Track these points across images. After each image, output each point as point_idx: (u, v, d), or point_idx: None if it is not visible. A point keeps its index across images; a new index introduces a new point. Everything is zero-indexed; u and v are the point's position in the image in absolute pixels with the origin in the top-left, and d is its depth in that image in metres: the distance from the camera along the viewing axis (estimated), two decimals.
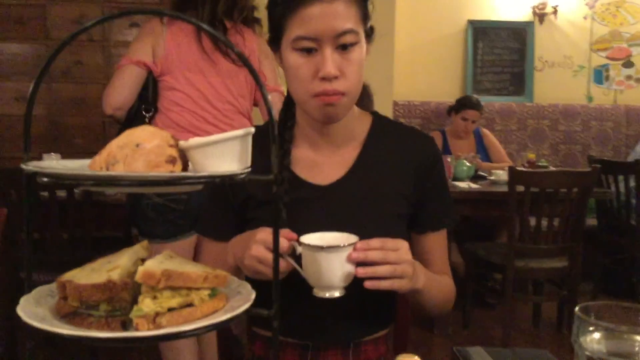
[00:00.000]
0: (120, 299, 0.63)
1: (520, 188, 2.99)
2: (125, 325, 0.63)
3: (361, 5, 1.09)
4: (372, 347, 1.23)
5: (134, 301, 0.64)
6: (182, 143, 0.66)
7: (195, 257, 2.22)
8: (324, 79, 1.06)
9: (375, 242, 0.97)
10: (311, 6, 1.03)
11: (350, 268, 0.94)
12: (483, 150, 4.33)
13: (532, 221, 3.03)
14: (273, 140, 0.65)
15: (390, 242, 0.98)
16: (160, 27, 2.31)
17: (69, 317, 0.64)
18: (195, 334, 0.61)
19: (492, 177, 3.70)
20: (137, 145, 0.63)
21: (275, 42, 1.14)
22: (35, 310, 0.64)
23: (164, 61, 2.27)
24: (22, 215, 2.13)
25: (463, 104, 4.22)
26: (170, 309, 0.63)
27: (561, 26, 5.15)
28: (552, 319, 3.63)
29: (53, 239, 2.70)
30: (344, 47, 1.06)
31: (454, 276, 1.31)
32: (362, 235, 1.13)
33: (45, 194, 2.65)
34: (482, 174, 3.86)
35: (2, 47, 4.19)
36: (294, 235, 0.97)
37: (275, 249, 0.68)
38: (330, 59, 1.05)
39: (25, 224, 0.66)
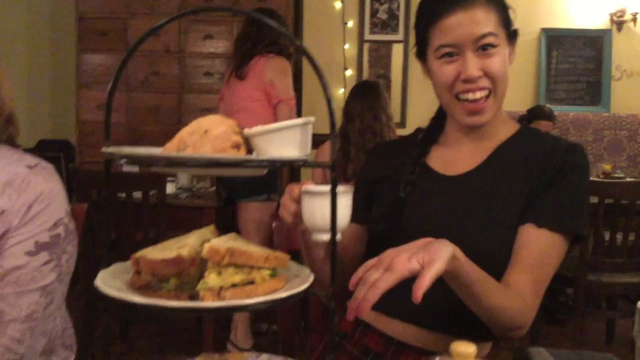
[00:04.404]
0: (189, 273, 0.68)
1: (594, 199, 2.89)
2: (193, 298, 0.67)
3: (500, 12, 1.14)
4: None
5: (201, 277, 0.68)
6: (246, 130, 0.71)
7: None
8: (466, 80, 1.11)
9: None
10: (451, 16, 1.11)
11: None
12: None
13: (607, 234, 2.92)
14: (332, 128, 0.69)
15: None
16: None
17: (142, 289, 0.69)
18: (257, 308, 0.65)
19: None
20: (205, 132, 0.68)
21: (421, 54, 1.22)
22: (111, 282, 0.69)
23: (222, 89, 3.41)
24: (102, 213, 2.23)
25: (535, 115, 4.09)
26: (233, 285, 0.67)
27: None
28: (626, 337, 3.47)
29: (129, 238, 2.84)
30: (484, 49, 1.11)
31: None
32: (477, 231, 1.13)
33: (123, 195, 2.79)
34: None
35: (86, 58, 4.45)
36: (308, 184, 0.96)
37: (332, 242, 0.71)
38: (471, 62, 1.11)
39: (104, 206, 0.72)
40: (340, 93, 4.51)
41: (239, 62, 3.24)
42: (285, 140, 0.69)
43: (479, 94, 1.13)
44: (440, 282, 0.90)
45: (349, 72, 4.82)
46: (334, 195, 0.68)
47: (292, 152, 0.70)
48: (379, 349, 1.22)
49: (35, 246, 1.17)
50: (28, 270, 1.16)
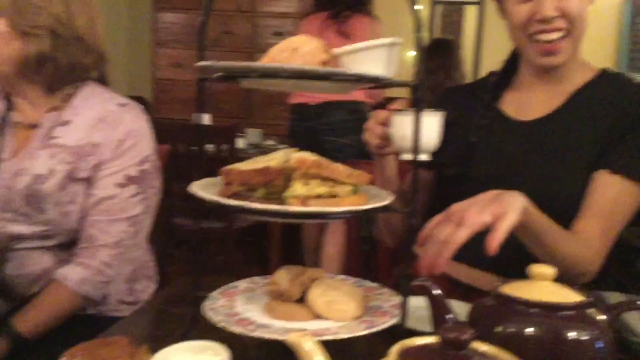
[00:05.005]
0: (276, 184, 0.72)
1: None
2: None
3: None
4: None
5: (287, 189, 0.72)
6: (334, 49, 0.74)
7: None
8: (541, 21, 1.10)
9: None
10: None
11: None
12: None
13: None
14: (418, 44, 0.70)
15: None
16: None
17: (232, 198, 0.73)
18: (338, 217, 0.68)
19: None
20: (295, 49, 0.72)
21: None
22: (204, 190, 0.74)
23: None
24: (178, 165, 2.31)
25: None
26: (317, 196, 0.71)
27: None
28: None
29: None
30: None
31: None
32: (550, 178, 1.12)
33: (195, 148, 2.89)
34: None
35: (160, 16, 4.55)
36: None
37: (414, 164, 0.73)
38: (547, 1, 1.08)
39: (198, 108, 0.76)
40: (410, 56, 4.46)
41: (338, 17, 3.09)
42: (372, 59, 0.71)
43: (554, 35, 1.10)
44: None
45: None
46: (418, 115, 0.69)
47: (379, 71, 0.72)
48: (446, 291, 1.23)
49: (125, 179, 1.25)
50: (118, 200, 1.24)
